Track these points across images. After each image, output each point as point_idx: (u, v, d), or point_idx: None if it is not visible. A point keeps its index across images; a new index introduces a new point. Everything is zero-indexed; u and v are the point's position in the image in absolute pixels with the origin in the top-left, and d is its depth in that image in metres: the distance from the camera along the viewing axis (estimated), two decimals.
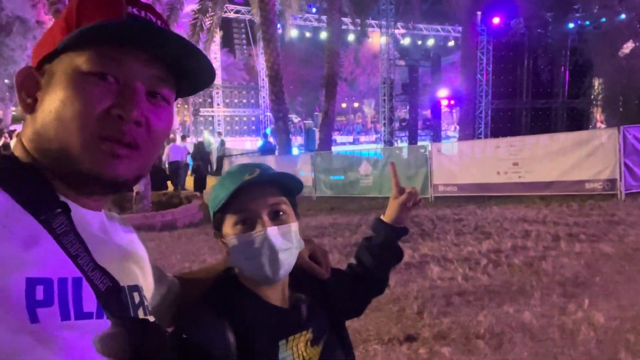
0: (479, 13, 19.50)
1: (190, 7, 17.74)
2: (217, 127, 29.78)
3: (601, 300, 3.98)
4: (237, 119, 33.74)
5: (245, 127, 33.89)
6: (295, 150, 18.85)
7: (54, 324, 0.57)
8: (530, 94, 20.68)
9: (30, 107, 0.69)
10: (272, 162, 13.54)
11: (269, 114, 25.74)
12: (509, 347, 3.28)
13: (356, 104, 49.92)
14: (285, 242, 0.95)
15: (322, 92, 17.53)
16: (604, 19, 17.87)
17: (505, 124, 20.41)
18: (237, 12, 27.50)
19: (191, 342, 0.87)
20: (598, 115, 21.72)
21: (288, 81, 29.55)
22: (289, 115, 21.38)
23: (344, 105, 47.67)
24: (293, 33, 26.63)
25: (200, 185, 13.89)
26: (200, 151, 14.90)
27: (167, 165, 14.40)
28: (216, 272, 1.07)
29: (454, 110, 26.60)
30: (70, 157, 0.66)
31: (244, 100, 34.12)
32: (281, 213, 0.97)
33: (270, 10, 15.12)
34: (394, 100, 21.86)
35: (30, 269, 0.58)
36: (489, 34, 20.03)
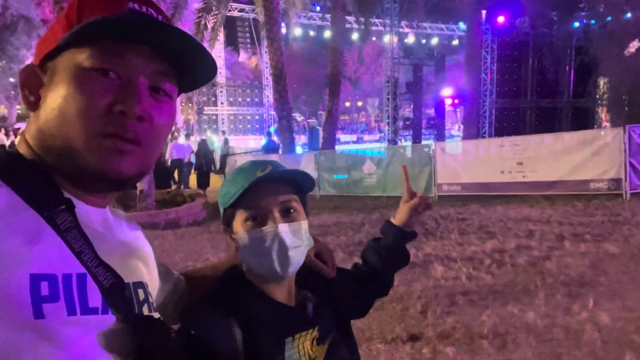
0: (483, 12, 19.42)
1: (194, 6, 17.75)
2: (221, 126, 29.82)
3: (606, 300, 3.96)
4: (240, 117, 33.79)
5: (249, 126, 33.95)
6: (299, 149, 18.84)
7: (59, 320, 0.58)
8: (535, 93, 20.60)
9: (34, 104, 0.69)
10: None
11: (272, 112, 25.74)
12: (513, 347, 3.27)
13: (360, 103, 49.87)
14: (296, 239, 0.95)
15: (326, 91, 17.53)
16: (609, 18, 17.78)
17: (509, 123, 20.34)
18: (241, 10, 27.51)
19: (198, 338, 0.87)
20: (603, 114, 21.64)
21: (292, 80, 29.56)
22: (293, 114, 21.37)
23: (347, 104, 47.64)
24: (297, 32, 26.64)
25: (203, 182, 13.92)
26: (203, 149, 14.93)
27: (169, 163, 14.44)
28: (222, 270, 1.06)
29: (458, 110, 26.49)
30: (74, 154, 0.65)
31: (248, 99, 34.17)
32: (292, 210, 0.97)
33: (274, 9, 15.11)
34: (398, 99, 21.80)
35: (34, 265, 0.58)
36: (493, 32, 19.94)
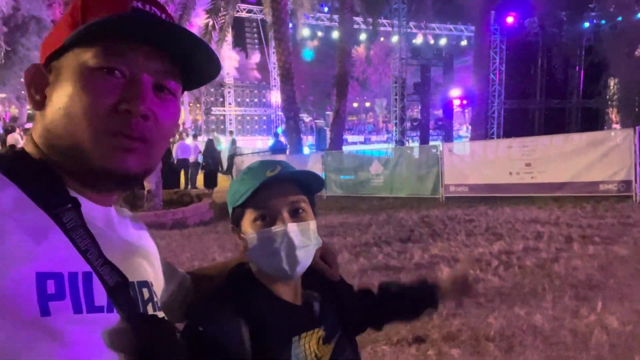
0: (492, 12, 19.31)
1: (202, 7, 17.82)
2: (229, 126, 29.92)
3: (615, 303, 3.91)
4: (248, 118, 33.89)
5: (256, 126, 34.04)
6: (306, 150, 18.85)
7: (65, 317, 0.58)
8: (544, 93, 20.46)
9: (40, 104, 0.70)
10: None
11: (280, 113, 25.77)
12: (520, 350, 3.24)
13: (368, 104, 49.78)
14: (304, 239, 0.96)
15: (334, 92, 17.52)
16: (620, 18, 17.60)
17: (518, 124, 20.19)
18: (249, 11, 27.59)
19: (206, 335, 0.87)
20: (613, 115, 21.43)
21: (300, 80, 29.57)
22: (301, 115, 21.39)
23: (355, 104, 47.57)
24: (305, 32, 26.65)
25: (210, 182, 13.98)
26: (210, 149, 15.01)
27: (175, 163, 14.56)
28: (229, 268, 1.07)
29: (466, 110, 26.35)
30: (80, 153, 0.66)
31: (256, 100, 34.26)
32: (301, 211, 0.97)
33: (282, 10, 15.14)
34: (406, 99, 21.74)
35: (40, 263, 0.58)
36: (502, 33, 19.82)
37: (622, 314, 3.66)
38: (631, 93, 17.31)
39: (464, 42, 30.80)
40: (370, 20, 20.87)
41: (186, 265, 5.71)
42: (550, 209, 8.15)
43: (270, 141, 20.37)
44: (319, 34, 29.85)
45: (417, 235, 6.85)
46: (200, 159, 15.20)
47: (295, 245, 0.94)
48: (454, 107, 23.28)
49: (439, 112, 26.48)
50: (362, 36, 29.58)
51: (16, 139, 16.53)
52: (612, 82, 19.25)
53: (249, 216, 0.97)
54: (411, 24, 24.19)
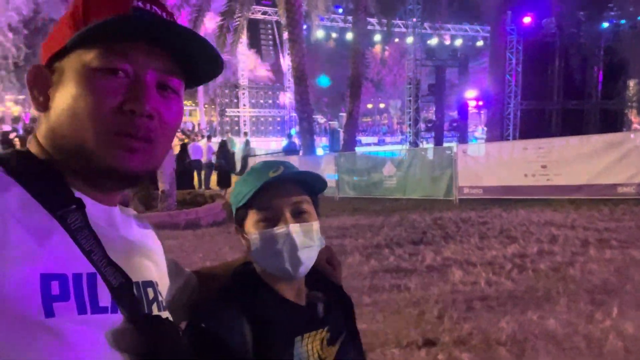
0: (508, 12, 19.10)
1: (217, 9, 17.95)
2: (243, 127, 30.10)
3: (631, 309, 3.82)
4: (262, 119, 34.05)
5: (270, 128, 34.18)
6: (320, 151, 18.86)
7: (70, 318, 0.58)
8: (562, 94, 20.13)
9: (43, 105, 0.70)
10: (295, 162, 13.57)
11: (294, 114, 25.83)
12: (532, 355, 3.19)
13: (382, 105, 49.57)
14: (307, 240, 0.96)
15: (348, 93, 17.49)
16: None
17: (535, 126, 19.88)
18: (264, 13, 27.72)
19: (208, 332, 0.88)
20: (633, 117, 21.01)
21: (314, 82, 29.61)
22: (315, 116, 21.43)
23: (370, 106, 47.40)
24: (319, 34, 26.67)
25: (223, 182, 14.08)
26: (223, 150, 15.13)
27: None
28: (233, 268, 1.07)
29: (482, 112, 26.08)
30: (86, 153, 0.66)
31: (270, 101, 34.41)
32: (303, 211, 0.98)
33: (296, 11, 15.18)
34: (420, 101, 21.62)
35: (44, 264, 0.59)
36: (519, 33, 19.58)
37: (638, 320, 3.57)
38: None
39: (479, 43, 30.53)
40: (384, 21, 20.78)
41: (198, 265, 5.72)
42: (566, 212, 8.01)
43: (284, 142, 20.45)
44: (334, 35, 29.88)
45: (430, 237, 6.79)
46: (214, 160, 15.34)
47: (298, 246, 0.94)
48: (470, 108, 23.07)
49: (455, 114, 26.27)
50: (377, 37, 29.50)
51: None
52: (631, 83, 18.89)
53: (252, 217, 0.97)
54: (426, 24, 24.06)
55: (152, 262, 0.81)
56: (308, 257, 0.96)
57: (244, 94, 31.38)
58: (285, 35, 17.02)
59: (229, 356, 0.87)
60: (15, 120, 27.78)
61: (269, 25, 34.21)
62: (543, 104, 20.18)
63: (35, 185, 0.64)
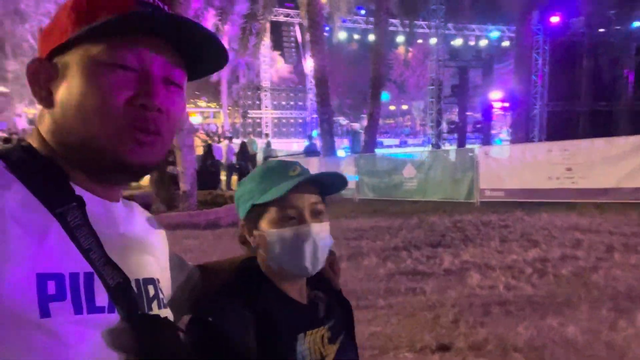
0: (535, 12, 18.72)
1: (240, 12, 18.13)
2: (265, 129, 30.31)
3: None
4: (284, 120, 34.23)
5: (292, 129, 34.32)
6: (341, 153, 18.84)
7: (66, 319, 0.58)
8: (590, 96, 19.61)
9: (46, 99, 0.69)
10: (315, 163, 13.59)
11: (315, 116, 25.90)
12: None
13: (405, 107, 49.25)
14: (325, 239, 0.99)
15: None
16: None
17: (562, 127, 19.43)
18: (287, 15, 27.90)
19: (214, 326, 0.88)
20: None
21: (337, 83, 29.60)
22: (338, 118, 21.43)
23: (392, 107, 47.17)
24: (342, 35, 26.70)
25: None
26: (243, 151, 15.29)
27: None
28: (236, 264, 1.07)
29: (507, 113, 25.61)
30: (97, 148, 0.66)
31: (292, 103, 34.58)
32: (320, 211, 1.00)
33: (318, 13, 15.22)
34: (443, 102, 21.38)
35: (41, 264, 0.58)
36: (545, 33, 19.19)
37: None
38: None
39: (505, 43, 30.01)
40: (406, 22, 20.65)
41: None
42: (591, 216, 7.78)
43: (305, 144, 20.52)
44: (357, 37, 29.84)
45: (449, 240, 6.69)
46: (234, 161, 15.51)
47: (319, 245, 0.97)
48: (495, 109, 22.71)
49: (479, 115, 25.88)
50: (400, 39, 29.33)
51: None
52: None
53: (272, 214, 0.97)
54: (450, 25, 23.81)
55: (154, 258, 0.80)
56: (323, 255, 0.99)
57: (266, 95, 31.60)
58: (307, 37, 17.08)
59: (235, 351, 0.88)
60: None
61: (292, 28, 34.39)
62: (571, 105, 19.70)
63: (35, 182, 0.63)
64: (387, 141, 34.30)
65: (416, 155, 12.84)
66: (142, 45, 0.68)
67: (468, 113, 24.41)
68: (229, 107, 33.22)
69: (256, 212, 0.99)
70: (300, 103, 33.90)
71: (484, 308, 4.06)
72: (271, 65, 32.62)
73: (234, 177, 15.45)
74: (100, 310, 0.62)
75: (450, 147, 20.60)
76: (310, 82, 27.33)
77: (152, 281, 0.75)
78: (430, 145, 20.94)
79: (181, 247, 6.39)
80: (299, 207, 0.97)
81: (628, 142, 8.88)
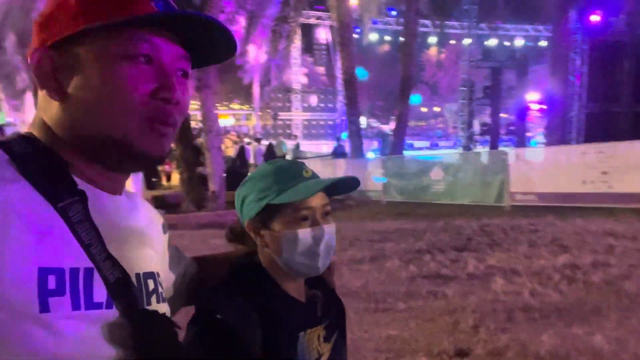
0: (573, 11, 18.12)
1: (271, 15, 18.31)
2: (294, 131, 30.48)
3: None
4: (314, 122, 34.30)
5: (322, 131, 34.35)
6: (370, 155, 18.74)
7: (64, 314, 0.58)
8: (631, 97, 18.80)
9: (56, 90, 0.68)
10: (343, 165, 13.56)
11: (344, 118, 25.88)
12: None
13: (437, 109, 48.52)
14: (334, 240, 1.02)
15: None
16: None
17: (601, 129, 18.67)
18: (318, 18, 27.99)
19: (225, 323, 0.89)
20: None
21: (369, 85, 29.48)
22: (369, 120, 21.33)
23: (424, 109, 46.55)
24: (373, 37, 26.58)
25: None
26: (270, 152, 15.44)
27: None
28: (235, 258, 1.08)
29: (542, 115, 24.86)
30: (120, 141, 0.67)
31: (322, 104, 34.61)
32: (329, 213, 1.03)
33: (347, 15, 15.20)
34: (475, 103, 20.96)
35: (43, 258, 0.59)
36: (584, 32, 18.52)
37: None
38: None
39: (542, 43, 29.15)
40: (437, 22, 20.39)
41: None
42: (628, 222, 7.45)
43: (335, 145, 20.53)
44: (388, 38, 29.63)
45: (475, 244, 6.54)
46: (262, 162, 15.70)
47: (332, 245, 1.01)
48: (530, 111, 22.07)
49: (512, 117, 25.22)
50: (432, 39, 28.95)
51: None
52: None
53: (287, 214, 0.98)
54: (484, 25, 23.35)
55: (155, 251, 0.80)
56: (330, 255, 1.02)
57: (296, 97, 31.78)
58: (336, 39, 17.08)
59: (242, 348, 0.89)
60: None
61: (323, 30, 34.46)
62: (610, 107, 18.92)
63: (38, 176, 0.63)
64: (417, 143, 33.81)
65: (445, 158, 12.64)
66: (157, 38, 0.68)
67: (502, 115, 23.81)
68: (261, 111, 33.55)
69: (270, 212, 0.99)
70: (330, 105, 33.89)
71: (506, 314, 3.95)
72: (302, 67, 32.78)
73: None
74: (98, 306, 0.62)
75: (483, 150, 20.16)
76: (340, 84, 27.33)
77: (152, 275, 0.75)
78: (462, 148, 20.54)
79: (208, 247, 6.50)
80: (312, 208, 0.98)
81: None
